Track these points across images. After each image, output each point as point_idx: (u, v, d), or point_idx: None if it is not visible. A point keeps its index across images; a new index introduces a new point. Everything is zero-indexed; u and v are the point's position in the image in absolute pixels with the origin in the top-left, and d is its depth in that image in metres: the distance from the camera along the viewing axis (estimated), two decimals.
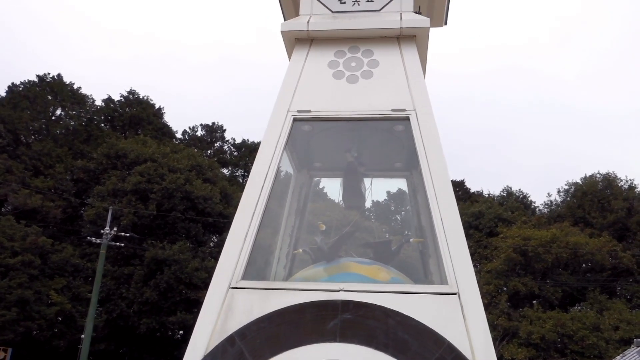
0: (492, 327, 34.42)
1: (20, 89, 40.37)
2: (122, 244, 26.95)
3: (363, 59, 4.96)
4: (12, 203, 30.47)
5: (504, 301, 36.16)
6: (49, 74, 41.80)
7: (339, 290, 3.89)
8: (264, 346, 3.72)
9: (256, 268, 4.51)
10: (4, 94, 40.04)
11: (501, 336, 31.95)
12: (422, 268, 4.96)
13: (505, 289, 37.77)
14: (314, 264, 4.77)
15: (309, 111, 4.75)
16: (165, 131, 45.04)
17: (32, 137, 38.42)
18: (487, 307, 36.14)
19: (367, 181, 5.32)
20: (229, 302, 3.96)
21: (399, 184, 5.94)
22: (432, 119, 4.63)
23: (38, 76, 41.66)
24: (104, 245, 24.06)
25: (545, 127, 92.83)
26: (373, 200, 5.71)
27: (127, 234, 26.43)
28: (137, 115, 42.79)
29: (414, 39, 5.02)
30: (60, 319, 28.30)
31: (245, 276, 4.08)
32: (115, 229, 25.18)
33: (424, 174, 4.35)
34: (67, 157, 36.04)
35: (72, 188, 33.99)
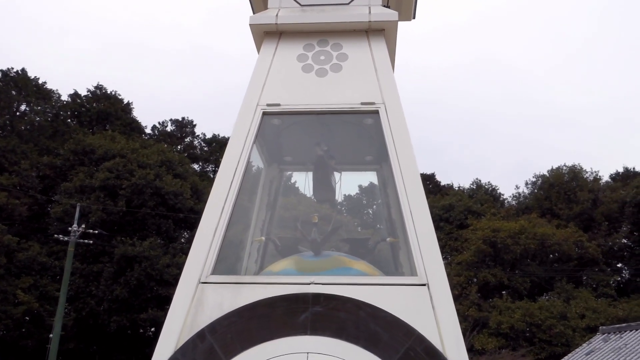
0: (463, 317, 34.96)
1: None
2: (91, 241, 26.48)
3: (332, 53, 4.96)
4: None
5: (474, 292, 36.79)
6: (12, 68, 40.79)
7: (309, 284, 3.90)
8: (235, 341, 3.71)
9: (227, 263, 4.49)
10: None
11: (472, 327, 32.45)
12: (393, 260, 5.01)
13: (475, 280, 38.42)
14: (282, 256, 4.77)
15: (278, 105, 4.74)
16: (134, 126, 44.36)
17: None
18: (458, 298, 36.67)
19: (337, 175, 5.34)
20: (199, 297, 3.93)
21: (369, 177, 5.97)
22: (401, 112, 4.66)
23: (1, 71, 40.58)
24: (71, 242, 23.63)
25: (515, 120, 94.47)
26: (345, 194, 5.74)
27: (96, 231, 26.00)
28: (104, 110, 42.02)
29: (382, 32, 5.05)
30: (27, 318, 27.72)
31: (215, 271, 4.05)
32: (83, 226, 24.73)
33: (393, 167, 4.38)
34: (32, 153, 35.23)
35: (38, 185, 33.25)
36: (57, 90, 42.27)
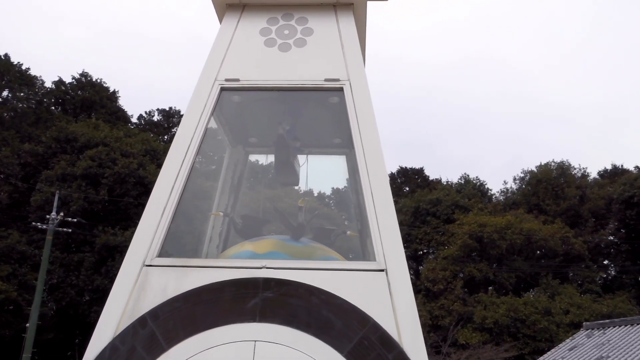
0: (448, 312, 35.00)
1: None
2: (70, 230, 26.06)
3: (297, 27, 4.71)
4: None
5: (459, 287, 36.78)
6: None
7: (261, 268, 3.66)
8: (178, 327, 3.47)
9: (179, 246, 4.23)
10: None
11: (456, 321, 32.44)
12: (352, 247, 4.79)
13: (461, 275, 38.40)
14: (243, 237, 4.54)
15: (237, 80, 4.48)
16: (120, 115, 43.78)
17: None
18: (443, 292, 36.70)
19: (302, 158, 5.10)
20: (142, 281, 3.68)
21: (338, 161, 5.71)
22: (366, 90, 4.42)
23: None
24: (50, 231, 23.20)
25: (506, 118, 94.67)
26: (311, 179, 5.49)
27: (75, 220, 25.57)
28: (89, 98, 41.42)
29: (351, 7, 4.82)
30: (7, 307, 27.29)
31: (162, 253, 3.80)
32: (61, 214, 24.31)
33: (355, 146, 4.15)
34: (14, 140, 34.65)
35: (20, 172, 32.70)
36: (40, 77, 41.64)
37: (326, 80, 4.42)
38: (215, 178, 5.40)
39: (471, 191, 48.29)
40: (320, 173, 5.61)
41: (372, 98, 4.45)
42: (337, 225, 4.76)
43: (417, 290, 39.42)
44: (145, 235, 3.84)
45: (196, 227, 4.91)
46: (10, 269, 27.32)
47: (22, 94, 40.23)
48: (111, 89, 44.73)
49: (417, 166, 57.08)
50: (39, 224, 24.81)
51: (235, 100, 4.79)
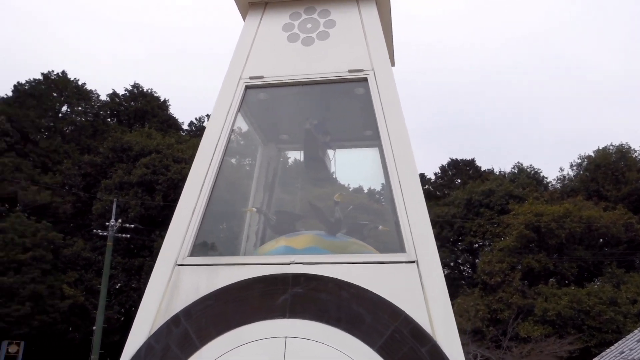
0: (507, 305, 34.09)
1: (26, 87, 40.45)
2: (128, 236, 26.96)
3: (319, 20, 4.67)
4: (21, 200, 30.63)
5: (517, 279, 35.75)
6: (53, 71, 41.86)
7: (290, 263, 3.65)
8: (210, 325, 3.50)
9: (210, 244, 4.27)
10: (10, 94, 40.19)
11: (516, 314, 31.55)
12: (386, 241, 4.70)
13: (519, 266, 37.32)
14: (277, 233, 4.54)
15: (261, 77, 4.49)
16: (171, 123, 44.91)
17: (40, 134, 38.55)
18: (501, 285, 35.76)
19: (330, 152, 5.05)
20: (175, 280, 3.73)
21: (371, 153, 5.62)
22: (391, 79, 4.34)
23: (43, 74, 41.70)
24: (110, 237, 24.09)
25: (558, 102, 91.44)
26: (341, 173, 5.43)
27: (132, 226, 26.43)
28: (141, 108, 42.70)
29: None
30: (75, 311, 28.48)
31: (194, 252, 3.85)
32: (119, 220, 25.18)
33: (381, 136, 4.08)
34: (74, 152, 36.15)
35: (81, 183, 34.07)
36: (95, 90, 43.28)
37: (350, 71, 4.37)
38: (249, 176, 5.43)
39: (525, 180, 46.84)
40: (353, 166, 5.54)
41: (397, 87, 4.37)
42: (371, 220, 4.67)
43: (473, 284, 38.65)
44: (176, 236, 3.90)
45: (227, 225, 4.95)
46: (76, 275, 28.54)
47: (79, 108, 41.93)
48: (162, 98, 46.02)
49: (468, 157, 55.88)
50: (99, 231, 25.80)
51: (262, 98, 4.79)
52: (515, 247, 36.27)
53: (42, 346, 26.41)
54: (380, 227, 4.83)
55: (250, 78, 4.47)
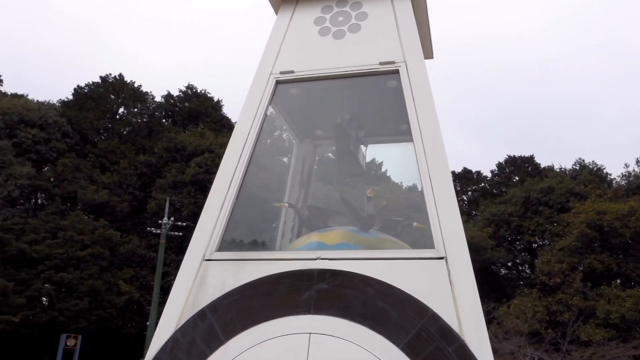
0: (567, 307, 32.88)
1: (85, 90, 42.14)
2: (181, 234, 27.63)
3: (351, 12, 4.60)
4: (81, 199, 31.91)
5: (578, 279, 34.41)
6: (110, 74, 43.44)
7: (316, 259, 3.59)
8: (235, 320, 3.48)
9: (237, 240, 4.27)
10: (71, 97, 41.96)
11: (576, 316, 30.38)
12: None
13: (580, 267, 35.93)
14: (308, 228, 4.50)
15: (292, 72, 4.45)
16: (224, 123, 45.67)
17: (98, 135, 40.08)
18: (560, 286, 34.54)
19: (364, 147, 4.96)
20: (202, 275, 3.74)
21: (406, 148, 5.50)
22: (424, 71, 4.21)
23: (101, 77, 43.38)
24: (163, 235, 24.76)
25: (621, 95, 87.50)
26: (375, 168, 5.34)
27: (185, 224, 27.07)
28: (195, 109, 43.68)
29: None
30: (131, 307, 29.42)
31: (222, 247, 3.85)
32: (172, 219, 25.84)
33: (412, 129, 3.96)
34: (130, 152, 37.36)
35: (137, 182, 35.19)
36: (151, 92, 44.57)
37: (381, 63, 4.27)
38: (280, 172, 5.41)
39: (587, 177, 44.99)
40: (389, 161, 5.43)
41: (430, 79, 4.24)
42: (406, 217, 4.56)
43: (532, 285, 37.48)
44: (204, 231, 3.91)
45: (255, 220, 4.94)
46: (132, 271, 29.50)
47: (135, 110, 43.34)
48: (215, 99, 46.93)
49: (526, 154, 54.14)
50: (153, 229, 26.56)
51: (294, 93, 4.75)
52: (576, 247, 34.95)
53: (98, 340, 27.41)
54: (415, 224, 4.71)
55: (281, 73, 4.44)
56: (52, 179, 32.78)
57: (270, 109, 4.72)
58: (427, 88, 4.13)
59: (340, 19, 4.59)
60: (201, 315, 3.57)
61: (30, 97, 39.36)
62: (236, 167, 4.14)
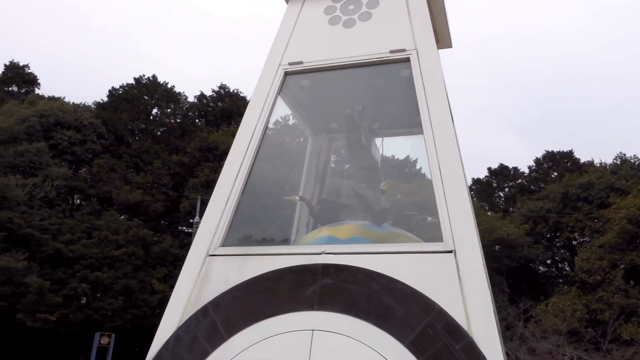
0: (607, 305, 31.88)
1: (120, 92, 42.90)
2: None
3: (362, 1, 4.46)
4: (115, 199, 32.49)
5: (619, 277, 33.34)
6: (144, 75, 44.13)
7: (320, 253, 3.48)
8: (237, 316, 3.40)
9: (241, 235, 4.18)
10: (106, 99, 42.79)
11: (617, 315, 29.42)
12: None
13: (622, 265, 34.81)
14: (320, 222, 4.39)
15: (300, 63, 4.34)
16: None
17: (132, 136, 40.74)
18: (601, 283, 33.50)
19: (378, 139, 4.81)
20: (206, 271, 3.68)
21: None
22: (436, 59, 4.05)
23: (135, 78, 44.07)
24: (194, 234, 24.97)
25: None
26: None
27: None
28: (228, 108, 43.91)
29: None
30: (165, 306, 29.64)
31: (226, 243, 3.77)
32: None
33: (422, 118, 3.81)
34: (164, 153, 37.84)
35: (170, 182, 35.62)
36: (184, 92, 45.04)
37: (391, 52, 4.12)
38: (291, 166, 5.31)
39: (629, 171, 43.47)
40: (404, 154, 5.26)
41: (442, 68, 4.08)
42: (420, 211, 4.40)
43: (571, 282, 36.47)
44: (209, 226, 3.84)
45: (261, 215, 4.85)
46: (165, 270, 29.81)
47: (169, 110, 43.88)
48: (247, 98, 47.03)
49: (565, 149, 52.64)
50: (184, 227, 26.82)
51: (305, 85, 4.65)
52: (616, 243, 33.84)
53: (132, 339, 27.82)
54: (429, 218, 4.55)
55: (289, 64, 4.34)
56: (87, 180, 33.44)
57: (282, 102, 4.63)
58: (439, 77, 3.96)
59: (351, 7, 4.46)
60: (204, 311, 3.50)
61: (66, 99, 40.39)
62: (242, 162, 4.07)
